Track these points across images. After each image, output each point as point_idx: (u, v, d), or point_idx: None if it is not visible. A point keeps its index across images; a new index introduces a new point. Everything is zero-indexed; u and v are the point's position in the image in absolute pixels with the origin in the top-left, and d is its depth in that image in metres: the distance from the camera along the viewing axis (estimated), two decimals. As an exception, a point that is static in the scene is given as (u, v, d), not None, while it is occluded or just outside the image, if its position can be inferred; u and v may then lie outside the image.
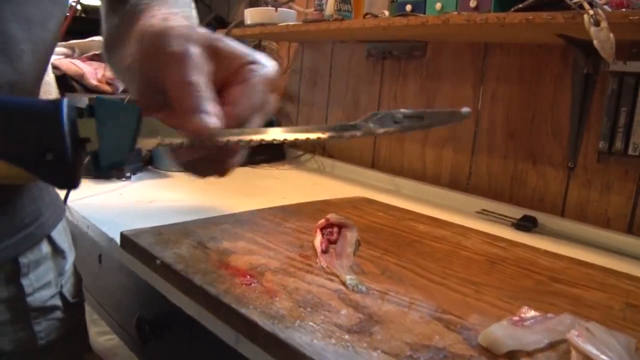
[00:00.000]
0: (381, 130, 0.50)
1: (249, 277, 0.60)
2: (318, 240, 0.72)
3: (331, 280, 0.62)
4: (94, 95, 1.15)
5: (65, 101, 0.42)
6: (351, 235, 0.74)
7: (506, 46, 1.15)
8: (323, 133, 0.49)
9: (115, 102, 0.44)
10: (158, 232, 0.71)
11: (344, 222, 0.77)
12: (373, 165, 1.43)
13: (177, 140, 0.46)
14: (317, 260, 0.67)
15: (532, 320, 0.55)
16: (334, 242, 0.73)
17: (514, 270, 0.72)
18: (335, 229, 0.75)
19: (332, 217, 0.77)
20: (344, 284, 0.61)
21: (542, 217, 1.04)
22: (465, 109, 0.51)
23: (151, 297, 0.75)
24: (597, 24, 0.73)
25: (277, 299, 0.55)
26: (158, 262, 0.63)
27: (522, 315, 0.56)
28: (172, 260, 0.63)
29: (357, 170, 1.39)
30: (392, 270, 0.67)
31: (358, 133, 0.49)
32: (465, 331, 0.52)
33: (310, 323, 0.51)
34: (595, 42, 0.74)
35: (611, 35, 0.73)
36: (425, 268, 0.69)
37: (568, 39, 0.95)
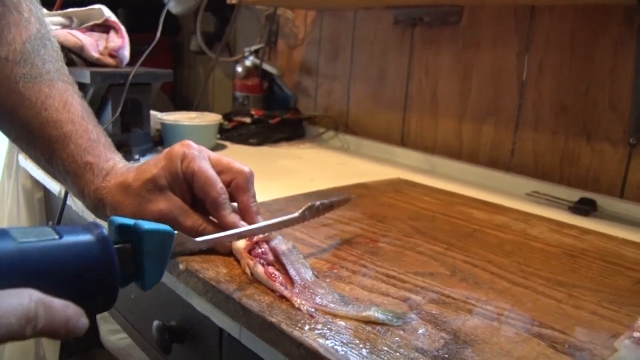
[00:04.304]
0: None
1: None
2: (260, 269, 0.49)
3: (395, 286, 0.51)
4: (95, 69, 1.03)
5: (110, 239, 0.37)
6: (288, 248, 0.54)
7: (557, 8, 1.02)
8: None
9: (158, 230, 0.42)
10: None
11: (265, 235, 0.55)
12: (403, 142, 1.31)
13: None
14: (294, 302, 0.45)
15: (656, 336, 0.44)
16: (272, 265, 0.51)
17: (600, 265, 0.61)
18: (265, 247, 0.54)
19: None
20: (367, 321, 0.43)
21: (599, 199, 0.93)
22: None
23: (172, 302, 0.64)
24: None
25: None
26: (182, 266, 0.52)
27: (642, 330, 0.45)
28: (198, 265, 0.52)
29: (385, 148, 1.27)
30: (463, 269, 0.56)
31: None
32: (577, 352, 0.41)
33: (385, 348, 0.40)
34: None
35: None
36: (499, 265, 0.58)
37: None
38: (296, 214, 0.57)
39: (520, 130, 1.09)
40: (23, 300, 0.30)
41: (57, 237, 0.35)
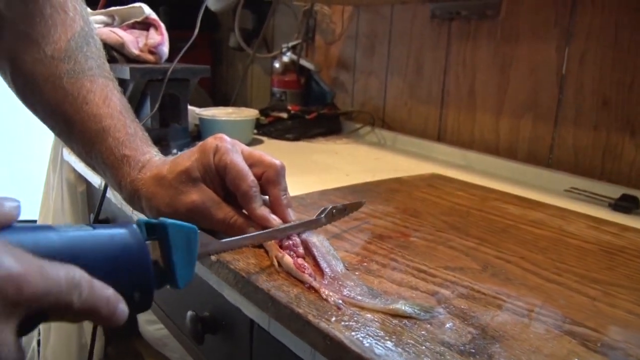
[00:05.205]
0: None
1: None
2: (288, 260, 0.50)
3: (425, 280, 0.51)
4: (135, 66, 1.05)
5: (139, 233, 0.40)
6: (319, 240, 0.55)
7: (599, 0, 0.99)
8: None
9: (182, 225, 0.43)
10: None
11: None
12: (439, 137, 1.30)
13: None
14: (322, 293, 0.46)
15: (693, 336, 0.42)
16: (302, 257, 0.52)
17: (639, 264, 0.59)
18: (296, 239, 0.54)
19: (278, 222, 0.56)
20: (394, 314, 0.43)
21: (643, 196, 0.90)
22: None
23: (205, 293, 0.65)
24: None
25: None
26: (213, 257, 0.53)
27: (679, 329, 0.44)
28: (229, 256, 0.53)
29: (421, 144, 1.27)
30: (494, 265, 0.55)
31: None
32: (610, 351, 0.40)
33: (410, 341, 0.40)
34: None
35: None
36: (532, 261, 0.57)
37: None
38: (313, 218, 0.58)
39: (559, 125, 1.07)
40: (69, 269, 0.33)
41: (93, 230, 0.38)
